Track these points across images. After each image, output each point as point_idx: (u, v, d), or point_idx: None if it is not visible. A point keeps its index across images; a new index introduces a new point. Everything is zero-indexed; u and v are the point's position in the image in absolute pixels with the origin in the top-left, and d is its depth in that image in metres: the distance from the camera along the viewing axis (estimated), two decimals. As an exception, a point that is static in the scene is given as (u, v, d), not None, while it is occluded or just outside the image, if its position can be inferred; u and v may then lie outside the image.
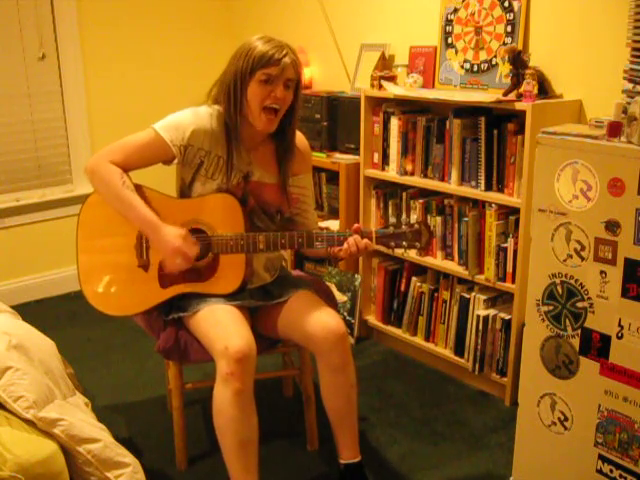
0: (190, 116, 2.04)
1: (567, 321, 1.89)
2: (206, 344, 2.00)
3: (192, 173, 2.08)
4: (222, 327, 1.96)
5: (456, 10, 2.84)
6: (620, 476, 1.84)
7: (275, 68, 1.94)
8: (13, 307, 2.22)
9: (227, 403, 1.88)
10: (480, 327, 2.69)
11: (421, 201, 2.87)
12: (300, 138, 2.18)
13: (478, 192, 2.63)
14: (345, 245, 1.96)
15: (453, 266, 2.80)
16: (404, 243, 1.99)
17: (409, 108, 2.91)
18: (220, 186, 2.07)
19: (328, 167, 3.18)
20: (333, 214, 3.28)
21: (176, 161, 2.06)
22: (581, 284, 1.84)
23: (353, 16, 3.36)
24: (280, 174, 2.13)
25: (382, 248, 2.08)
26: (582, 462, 1.92)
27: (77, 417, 1.74)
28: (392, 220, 3.00)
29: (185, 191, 2.12)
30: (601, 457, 1.88)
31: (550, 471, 2.02)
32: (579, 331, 1.87)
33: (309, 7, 3.54)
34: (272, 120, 2.01)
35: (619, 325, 1.77)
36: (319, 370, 2.06)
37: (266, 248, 2.01)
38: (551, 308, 1.93)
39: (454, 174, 2.71)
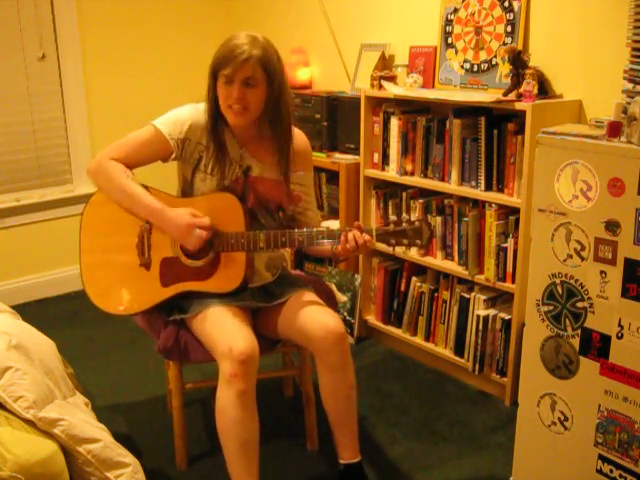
0: (188, 111, 2.07)
1: (567, 321, 1.89)
2: (209, 346, 2.00)
3: (192, 169, 2.09)
4: (225, 329, 1.96)
5: (456, 10, 2.84)
6: (620, 476, 1.84)
7: (229, 69, 1.94)
8: (13, 307, 2.23)
9: (230, 404, 1.88)
10: (480, 327, 2.69)
11: (421, 201, 2.87)
12: (300, 136, 2.18)
13: (478, 192, 2.63)
14: (343, 238, 1.96)
15: (453, 266, 2.80)
16: (405, 241, 1.98)
17: (409, 108, 2.91)
18: (220, 181, 2.07)
19: (328, 167, 3.18)
20: (333, 214, 3.28)
21: (174, 156, 2.07)
22: (581, 284, 1.84)
23: (353, 16, 3.36)
24: (280, 169, 2.13)
25: (383, 246, 2.08)
26: (582, 462, 1.92)
27: (77, 417, 1.74)
28: (393, 218, 3.00)
29: (187, 189, 2.13)
30: (601, 457, 1.88)
31: (550, 471, 2.02)
32: (579, 331, 1.87)
33: (309, 7, 3.54)
34: (238, 114, 1.99)
35: (619, 325, 1.77)
36: (318, 370, 2.06)
37: (267, 246, 2.01)
38: (551, 308, 1.93)
39: (454, 174, 2.71)
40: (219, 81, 1.98)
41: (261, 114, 2.04)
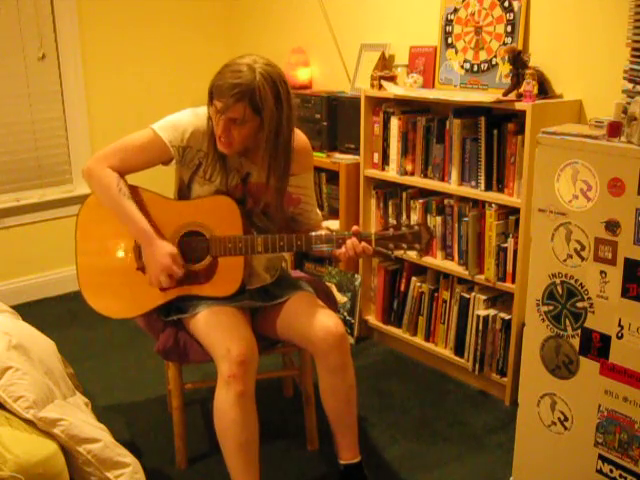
0: (189, 117, 2.03)
1: (567, 321, 1.89)
2: (207, 346, 2.00)
3: (190, 174, 2.07)
4: (223, 329, 1.96)
5: (456, 10, 2.84)
6: (620, 476, 1.84)
7: (219, 103, 1.87)
8: (13, 307, 2.22)
9: (229, 406, 1.88)
10: (480, 327, 2.69)
11: (421, 201, 2.87)
12: (300, 137, 2.14)
13: (478, 192, 2.63)
14: (343, 249, 1.96)
15: (453, 266, 2.80)
16: (404, 245, 1.98)
17: (409, 108, 2.91)
18: (218, 188, 2.06)
19: (328, 167, 3.18)
20: (333, 214, 3.28)
21: (174, 162, 2.06)
22: (581, 284, 1.84)
23: (353, 16, 3.36)
24: (276, 176, 2.10)
25: (381, 250, 2.08)
26: (582, 462, 1.92)
27: (77, 417, 1.74)
28: (392, 221, 3.00)
29: (184, 192, 2.11)
30: (601, 457, 1.88)
31: (550, 471, 2.02)
32: (579, 331, 1.87)
33: (309, 7, 3.54)
34: (224, 146, 1.95)
35: (619, 325, 1.77)
36: (318, 371, 2.06)
37: (264, 250, 2.00)
38: (551, 308, 1.92)
39: (454, 174, 2.71)
40: (213, 105, 1.92)
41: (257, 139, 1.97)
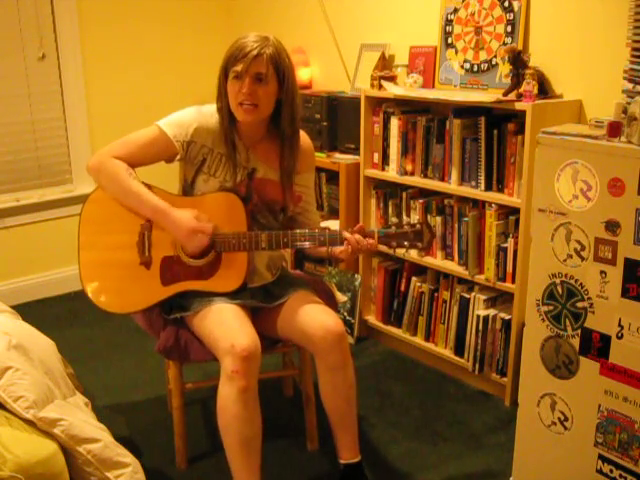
0: (193, 113, 2.07)
1: (567, 321, 1.89)
2: (210, 343, 2.00)
3: (194, 170, 2.09)
4: (227, 325, 1.96)
5: (456, 10, 2.84)
6: (620, 476, 1.84)
7: (240, 64, 1.94)
8: (13, 307, 2.22)
9: (232, 401, 1.88)
10: (480, 327, 2.69)
11: (421, 201, 2.87)
12: (305, 137, 2.18)
13: (478, 192, 2.63)
14: (346, 243, 1.97)
15: (453, 266, 2.80)
16: (406, 243, 2.00)
17: (409, 108, 2.91)
18: (223, 184, 2.08)
19: (328, 167, 3.18)
20: (333, 214, 3.28)
21: (178, 157, 2.07)
22: (581, 284, 1.84)
23: (353, 16, 3.36)
24: (282, 171, 2.13)
25: (383, 248, 2.09)
26: (582, 462, 1.92)
27: (77, 417, 1.74)
28: (393, 220, 3.00)
29: (188, 190, 2.13)
30: (601, 457, 1.88)
31: (550, 471, 2.02)
32: (579, 331, 1.87)
33: (309, 7, 3.54)
34: (248, 110, 1.99)
35: (619, 325, 1.77)
36: (318, 370, 2.07)
37: (268, 247, 2.02)
38: (551, 308, 1.93)
39: (454, 174, 2.71)
40: (229, 78, 1.98)
41: (270, 114, 2.04)
